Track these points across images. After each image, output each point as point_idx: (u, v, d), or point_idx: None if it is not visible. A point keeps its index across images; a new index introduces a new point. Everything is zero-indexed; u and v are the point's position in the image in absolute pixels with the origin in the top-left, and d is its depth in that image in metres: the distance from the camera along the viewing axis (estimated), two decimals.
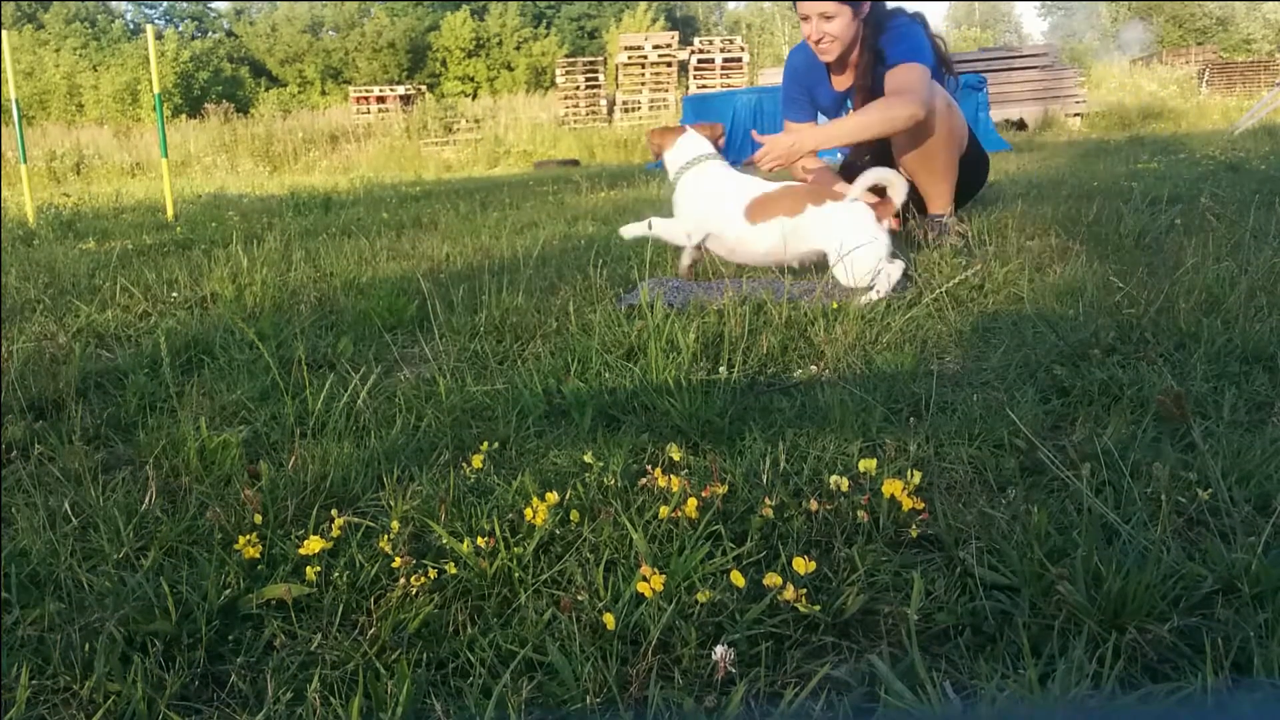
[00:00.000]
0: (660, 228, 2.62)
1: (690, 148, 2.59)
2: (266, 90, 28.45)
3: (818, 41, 2.78)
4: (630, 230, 2.68)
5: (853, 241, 2.28)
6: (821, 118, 3.13)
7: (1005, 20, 45.60)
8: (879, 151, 2.97)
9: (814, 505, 1.13)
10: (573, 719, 0.83)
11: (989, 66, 12.08)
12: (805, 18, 2.76)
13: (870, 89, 2.83)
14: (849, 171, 3.09)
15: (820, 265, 2.50)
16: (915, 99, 2.62)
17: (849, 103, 2.98)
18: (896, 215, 3.04)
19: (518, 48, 31.43)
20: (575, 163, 12.73)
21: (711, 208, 2.51)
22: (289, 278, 2.95)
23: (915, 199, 3.01)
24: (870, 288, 2.25)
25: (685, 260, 2.65)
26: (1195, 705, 0.78)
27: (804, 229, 2.39)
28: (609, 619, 0.91)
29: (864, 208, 2.36)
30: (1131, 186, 3.65)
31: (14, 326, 2.34)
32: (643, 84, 15.89)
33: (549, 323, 2.18)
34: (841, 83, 2.95)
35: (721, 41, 16.09)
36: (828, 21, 2.73)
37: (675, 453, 1.28)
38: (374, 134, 15.49)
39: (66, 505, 1.23)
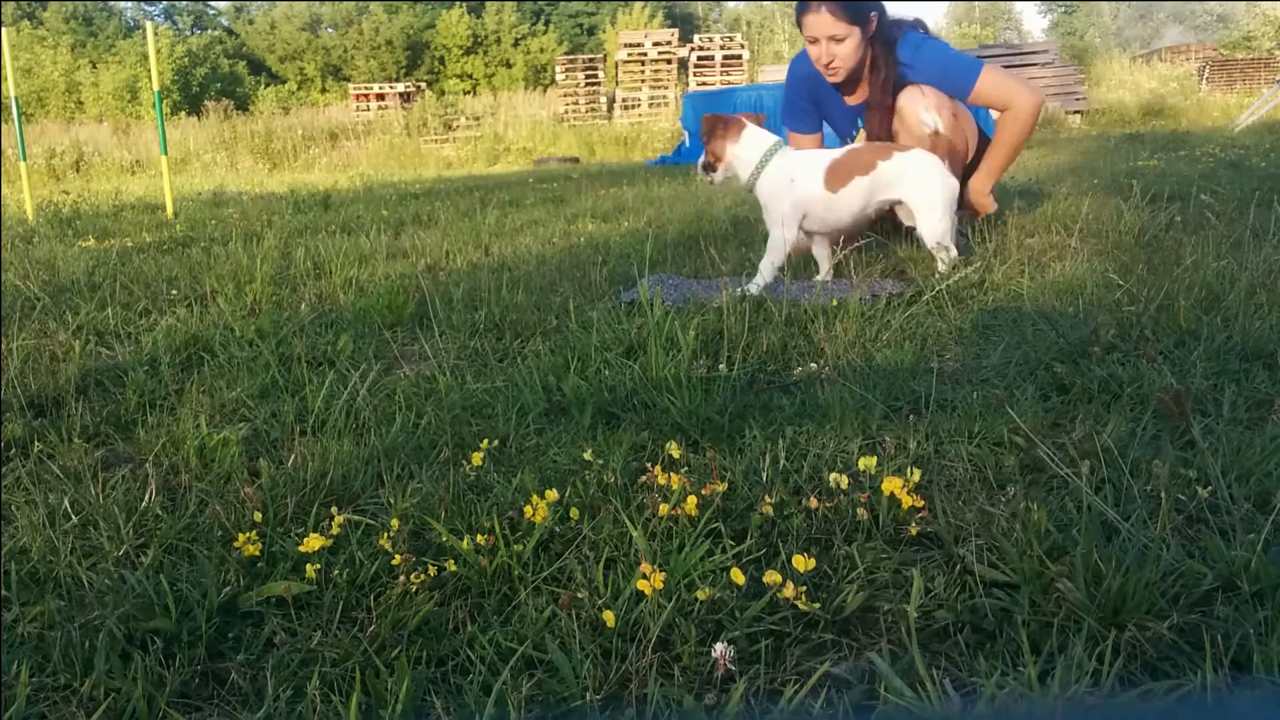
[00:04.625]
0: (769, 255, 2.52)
1: (759, 140, 2.52)
2: (266, 87, 28.40)
3: (827, 64, 2.75)
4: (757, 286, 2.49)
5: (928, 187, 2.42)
6: (828, 128, 3.11)
7: (1005, 17, 45.57)
8: None
9: (814, 503, 1.13)
10: (573, 716, 0.83)
11: None
12: (814, 40, 2.72)
13: (890, 107, 2.82)
14: None
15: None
16: (1024, 90, 2.77)
17: (860, 120, 2.95)
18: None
19: (515, 45, 31.39)
20: (575, 160, 12.73)
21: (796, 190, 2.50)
22: (289, 275, 2.95)
23: None
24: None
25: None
26: (1195, 703, 0.78)
27: (880, 182, 2.47)
28: (609, 616, 0.91)
29: (933, 155, 2.49)
30: (1131, 184, 3.65)
31: (14, 324, 2.34)
32: (642, 81, 15.87)
33: (549, 320, 2.18)
34: (854, 98, 2.93)
35: (721, 39, 16.08)
36: (837, 44, 2.70)
37: (675, 450, 1.28)
38: (374, 131, 15.47)
39: (66, 503, 1.23)
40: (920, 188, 2.44)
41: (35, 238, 4.54)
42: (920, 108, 2.64)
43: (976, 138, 2.96)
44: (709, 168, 2.57)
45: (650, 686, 0.85)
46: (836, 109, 2.98)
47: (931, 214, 2.44)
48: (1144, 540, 0.99)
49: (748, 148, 2.50)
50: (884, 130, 2.85)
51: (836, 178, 2.46)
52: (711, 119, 2.54)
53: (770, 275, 2.46)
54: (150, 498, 1.25)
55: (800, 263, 2.72)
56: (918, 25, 2.84)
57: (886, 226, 3.07)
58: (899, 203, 2.51)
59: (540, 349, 1.93)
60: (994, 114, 2.90)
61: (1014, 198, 3.75)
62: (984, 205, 2.93)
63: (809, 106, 3.04)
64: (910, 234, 2.90)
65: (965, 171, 2.90)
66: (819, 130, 3.09)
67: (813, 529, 1.12)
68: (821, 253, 2.62)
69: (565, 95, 15.96)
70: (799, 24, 2.75)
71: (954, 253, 2.45)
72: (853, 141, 3.05)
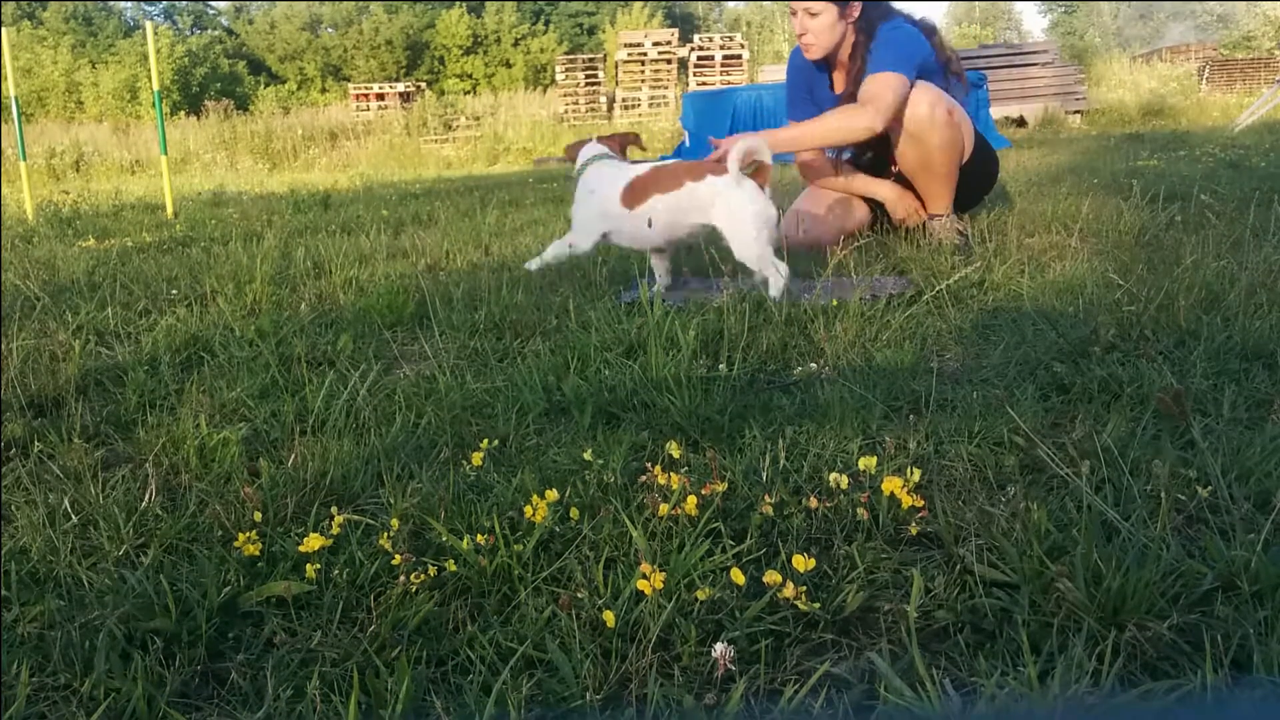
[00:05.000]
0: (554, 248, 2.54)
1: (586, 153, 2.59)
2: (266, 87, 28.40)
3: (801, 36, 2.79)
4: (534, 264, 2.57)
5: (741, 212, 2.29)
6: None
7: (1005, 17, 45.57)
8: (879, 150, 2.96)
9: (814, 503, 1.13)
10: (573, 716, 0.83)
11: (989, 64, 12.06)
12: (794, 12, 2.77)
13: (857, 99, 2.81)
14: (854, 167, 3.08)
15: (816, 258, 2.49)
16: (875, 111, 2.59)
17: None
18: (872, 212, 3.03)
19: (515, 45, 31.40)
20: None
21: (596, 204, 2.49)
22: (289, 275, 2.95)
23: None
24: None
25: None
26: (1195, 703, 0.78)
27: (686, 204, 2.37)
28: (609, 616, 0.91)
29: (749, 181, 2.35)
30: (1131, 184, 3.65)
31: (14, 324, 2.34)
32: (642, 81, 15.87)
33: (549, 320, 2.18)
34: (840, 84, 2.93)
35: (721, 39, 16.07)
36: (812, 18, 2.73)
37: (675, 450, 1.28)
38: (374, 131, 15.45)
39: (66, 503, 1.23)
40: (729, 213, 2.29)
41: (35, 238, 4.54)
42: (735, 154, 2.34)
43: (973, 138, 2.96)
44: None
45: (650, 686, 0.85)
46: (825, 98, 2.98)
47: (744, 237, 2.28)
48: (1144, 540, 0.99)
49: (579, 161, 2.58)
50: None
51: (634, 194, 2.40)
52: (569, 147, 2.67)
53: (551, 257, 2.51)
54: (150, 498, 1.25)
55: (801, 261, 2.72)
56: (923, 24, 2.82)
57: (885, 226, 3.08)
58: (711, 227, 2.37)
59: (540, 349, 1.94)
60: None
61: (1015, 198, 3.75)
62: (741, 150, 2.46)
63: (805, 96, 3.04)
64: (909, 234, 2.90)
65: (962, 172, 2.90)
66: None
67: (813, 529, 1.12)
68: (660, 265, 2.57)
69: (565, 95, 15.95)
70: None
71: (784, 270, 2.29)
72: None
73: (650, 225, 2.38)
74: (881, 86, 2.62)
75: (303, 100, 26.47)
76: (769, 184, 2.36)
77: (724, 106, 9.77)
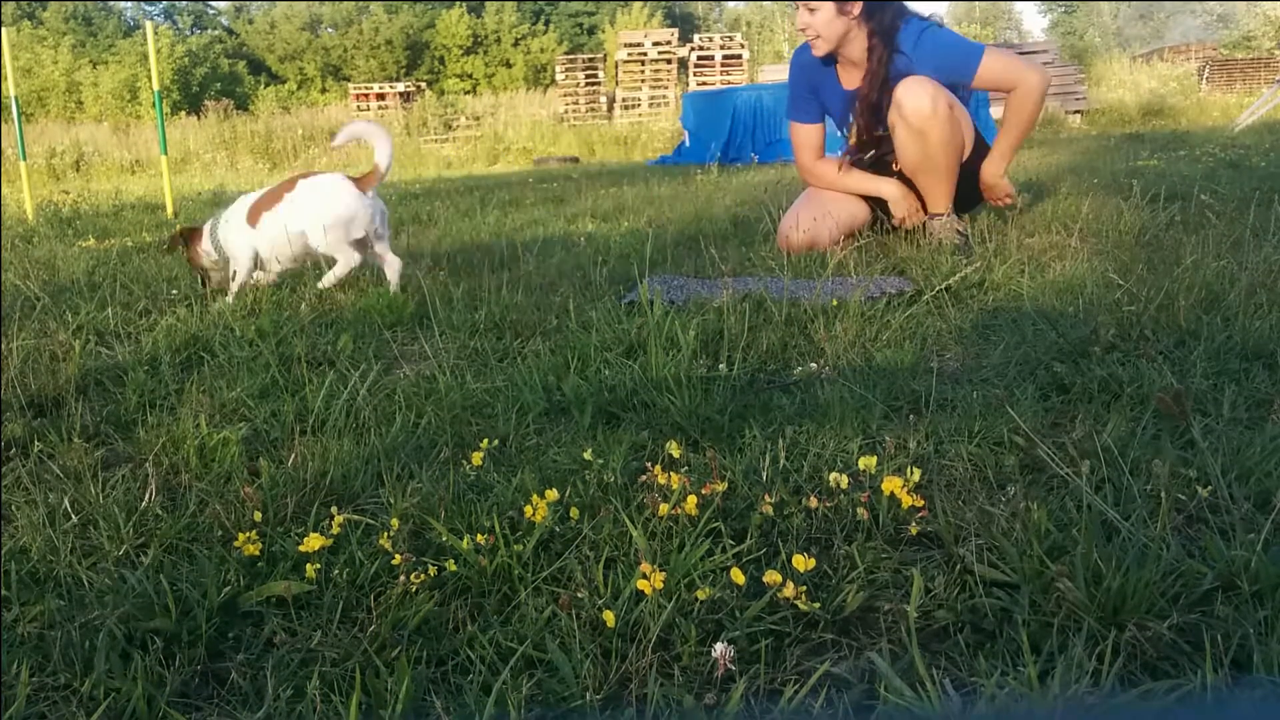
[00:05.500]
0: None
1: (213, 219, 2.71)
2: (266, 87, 28.41)
3: (802, 30, 2.81)
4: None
5: (327, 213, 2.51)
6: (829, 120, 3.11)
7: (1005, 17, 45.57)
8: (880, 150, 2.96)
9: (814, 502, 1.13)
10: (572, 716, 0.83)
11: None
12: (797, 6, 2.79)
13: (877, 104, 2.81)
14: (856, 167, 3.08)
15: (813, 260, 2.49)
16: (1027, 68, 2.71)
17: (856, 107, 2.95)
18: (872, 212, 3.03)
19: (515, 44, 31.41)
20: (575, 160, 12.73)
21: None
22: (288, 274, 2.95)
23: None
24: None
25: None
26: (1195, 702, 0.78)
27: (285, 217, 2.56)
28: (609, 616, 0.91)
29: (335, 178, 2.57)
30: (1131, 184, 3.65)
31: (14, 324, 2.34)
32: (643, 81, 15.86)
33: (549, 320, 2.18)
34: (850, 82, 2.92)
35: (721, 39, 16.07)
36: (810, 14, 2.74)
37: (675, 450, 1.28)
38: None
39: (66, 502, 1.24)
40: (307, 212, 2.52)
41: (35, 238, 4.54)
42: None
43: (973, 134, 2.96)
44: (205, 278, 2.74)
45: (650, 686, 0.85)
46: (832, 95, 2.98)
47: (316, 233, 2.52)
48: (1144, 540, 0.99)
49: (208, 231, 2.68)
50: (871, 123, 2.85)
51: (254, 215, 2.60)
52: (176, 238, 2.75)
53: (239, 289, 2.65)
54: (150, 498, 1.25)
55: (801, 261, 2.72)
56: (932, 21, 2.83)
57: (885, 226, 3.08)
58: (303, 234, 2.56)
59: (540, 349, 1.93)
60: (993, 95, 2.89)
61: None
62: (1000, 189, 2.91)
63: (808, 94, 3.04)
64: (909, 234, 2.91)
65: (962, 170, 2.89)
66: (820, 121, 3.08)
67: (813, 529, 1.12)
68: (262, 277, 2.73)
69: (565, 95, 15.95)
70: None
71: (354, 258, 2.53)
72: (848, 131, 3.07)
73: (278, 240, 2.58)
74: (1001, 62, 2.75)
75: (303, 100, 26.44)
76: (374, 185, 2.56)
77: (724, 106, 9.77)
